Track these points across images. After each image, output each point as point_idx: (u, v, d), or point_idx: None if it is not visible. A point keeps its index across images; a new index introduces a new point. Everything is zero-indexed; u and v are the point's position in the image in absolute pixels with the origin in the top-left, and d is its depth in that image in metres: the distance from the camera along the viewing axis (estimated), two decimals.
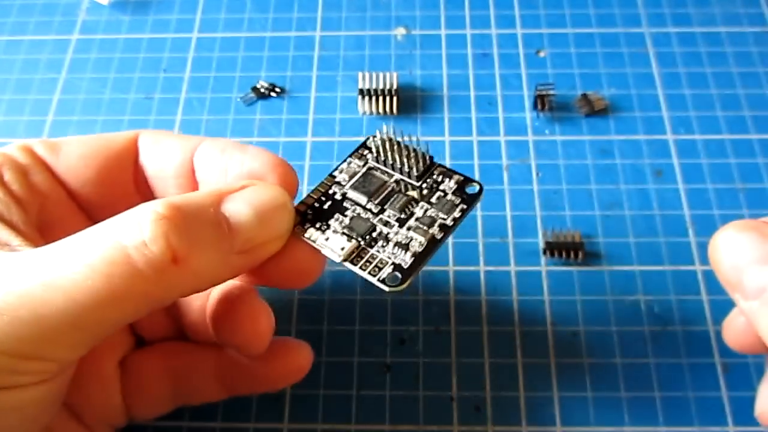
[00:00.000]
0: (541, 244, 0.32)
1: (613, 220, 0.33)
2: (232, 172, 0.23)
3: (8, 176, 0.22)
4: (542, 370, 0.29)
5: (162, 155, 0.24)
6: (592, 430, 0.28)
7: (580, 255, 0.31)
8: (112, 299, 0.18)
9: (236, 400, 0.29)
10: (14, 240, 0.20)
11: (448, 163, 0.35)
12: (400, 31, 0.40)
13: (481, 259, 0.32)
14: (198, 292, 0.21)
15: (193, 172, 0.24)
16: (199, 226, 0.19)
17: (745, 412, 0.28)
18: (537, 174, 0.34)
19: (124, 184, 0.25)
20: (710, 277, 0.31)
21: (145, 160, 0.25)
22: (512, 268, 0.31)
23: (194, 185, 0.24)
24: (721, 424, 0.27)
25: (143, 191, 0.25)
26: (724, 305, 0.30)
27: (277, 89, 0.38)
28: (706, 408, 0.28)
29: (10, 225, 0.21)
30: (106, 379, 0.25)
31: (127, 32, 0.41)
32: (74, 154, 0.24)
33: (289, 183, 0.23)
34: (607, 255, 0.32)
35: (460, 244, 0.32)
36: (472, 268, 0.31)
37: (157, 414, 0.27)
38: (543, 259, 0.32)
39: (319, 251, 0.22)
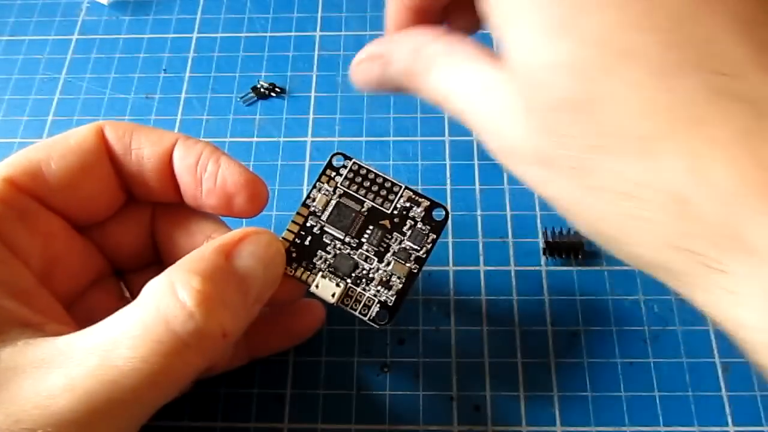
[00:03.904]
0: (541, 244, 0.32)
1: None
2: (206, 186, 0.24)
3: (6, 227, 0.21)
4: (542, 370, 0.29)
5: (138, 154, 0.24)
6: (592, 430, 0.28)
7: (580, 255, 0.31)
8: (171, 384, 0.19)
9: (236, 400, 0.29)
10: (33, 316, 0.20)
11: (448, 163, 0.35)
12: None
13: (481, 259, 0.32)
14: None
15: (171, 170, 0.24)
16: (231, 295, 0.21)
17: (745, 412, 0.28)
18: None
19: (108, 186, 0.24)
20: None
21: (122, 158, 0.24)
22: (512, 268, 0.31)
23: (173, 182, 0.24)
24: (721, 424, 0.27)
25: (122, 185, 0.25)
26: None
27: (277, 89, 0.38)
28: (706, 408, 0.28)
29: (22, 295, 0.20)
30: None
31: (127, 32, 0.41)
32: (61, 175, 0.23)
33: (258, 203, 0.24)
34: (607, 255, 0.32)
35: (461, 244, 0.32)
36: (472, 268, 0.31)
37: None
38: (543, 259, 0.32)
39: (308, 290, 0.24)
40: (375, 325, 0.24)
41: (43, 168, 0.23)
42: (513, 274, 0.31)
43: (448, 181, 0.34)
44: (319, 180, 0.25)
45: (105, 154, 0.24)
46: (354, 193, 0.25)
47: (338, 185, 0.25)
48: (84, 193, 0.24)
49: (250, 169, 0.24)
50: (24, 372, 0.18)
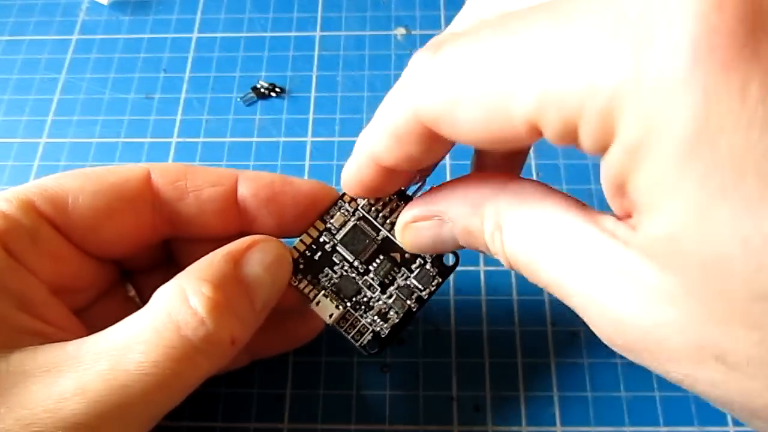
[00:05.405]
0: None
1: None
2: (299, 210, 0.24)
3: (16, 245, 0.21)
4: (542, 370, 0.29)
5: (198, 196, 0.24)
6: (592, 430, 0.28)
7: None
8: (181, 388, 0.20)
9: (236, 400, 0.29)
10: (45, 327, 0.20)
11: (448, 163, 0.35)
12: (400, 31, 0.40)
13: (481, 259, 0.32)
14: None
15: (235, 208, 0.24)
16: (240, 303, 0.21)
17: None
18: (537, 174, 0.34)
19: (140, 230, 0.24)
20: None
21: (175, 203, 0.24)
22: None
23: (236, 218, 0.24)
24: (721, 424, 0.27)
25: (161, 230, 0.24)
26: None
27: (277, 89, 0.38)
28: (706, 408, 0.28)
29: (34, 306, 0.20)
30: None
31: (127, 32, 0.41)
32: (86, 212, 0.22)
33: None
34: None
35: None
36: (472, 268, 0.31)
37: None
38: None
39: (308, 304, 0.24)
40: (364, 352, 0.24)
41: (70, 200, 0.22)
42: (513, 274, 0.31)
43: None
44: (341, 198, 0.24)
45: (146, 200, 0.23)
46: (372, 220, 0.24)
47: (359, 207, 0.24)
48: (106, 235, 0.23)
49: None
50: (34, 376, 0.18)
